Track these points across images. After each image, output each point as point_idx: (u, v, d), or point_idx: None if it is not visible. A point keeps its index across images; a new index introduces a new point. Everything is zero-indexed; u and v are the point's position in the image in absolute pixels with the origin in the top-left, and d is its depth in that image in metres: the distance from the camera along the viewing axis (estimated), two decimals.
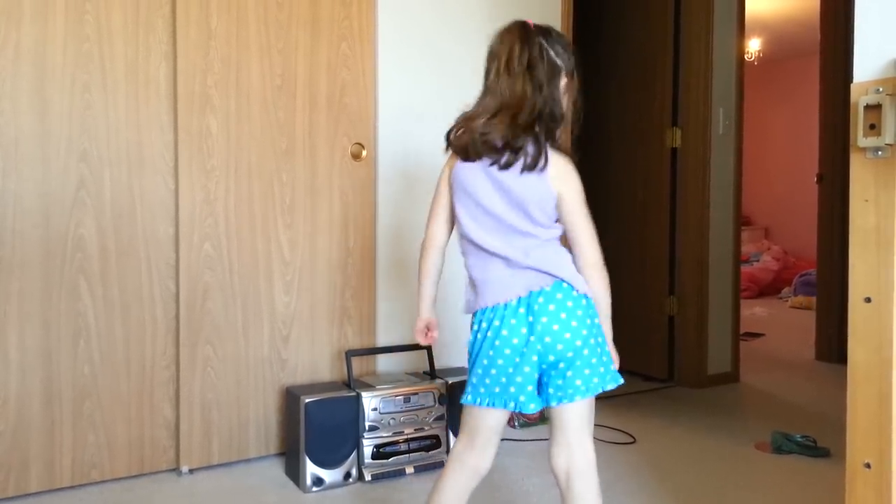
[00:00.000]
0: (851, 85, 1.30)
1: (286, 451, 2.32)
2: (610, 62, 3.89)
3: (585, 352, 1.37)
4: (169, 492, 2.14)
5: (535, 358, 1.37)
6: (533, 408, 1.38)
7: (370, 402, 2.23)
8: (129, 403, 2.20)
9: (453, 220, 1.50)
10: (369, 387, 2.28)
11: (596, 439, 2.60)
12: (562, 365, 1.37)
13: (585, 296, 1.41)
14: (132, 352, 2.20)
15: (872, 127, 1.24)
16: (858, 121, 1.26)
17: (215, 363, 2.30)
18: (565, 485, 1.41)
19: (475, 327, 1.44)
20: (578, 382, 1.37)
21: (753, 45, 7.05)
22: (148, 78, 2.20)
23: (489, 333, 1.40)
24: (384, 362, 2.61)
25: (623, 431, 2.73)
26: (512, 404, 1.39)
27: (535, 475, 2.26)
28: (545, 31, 1.43)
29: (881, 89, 1.24)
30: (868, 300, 1.28)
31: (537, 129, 1.37)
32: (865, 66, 1.29)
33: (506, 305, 1.38)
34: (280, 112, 2.39)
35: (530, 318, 1.37)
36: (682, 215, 3.54)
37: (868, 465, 1.28)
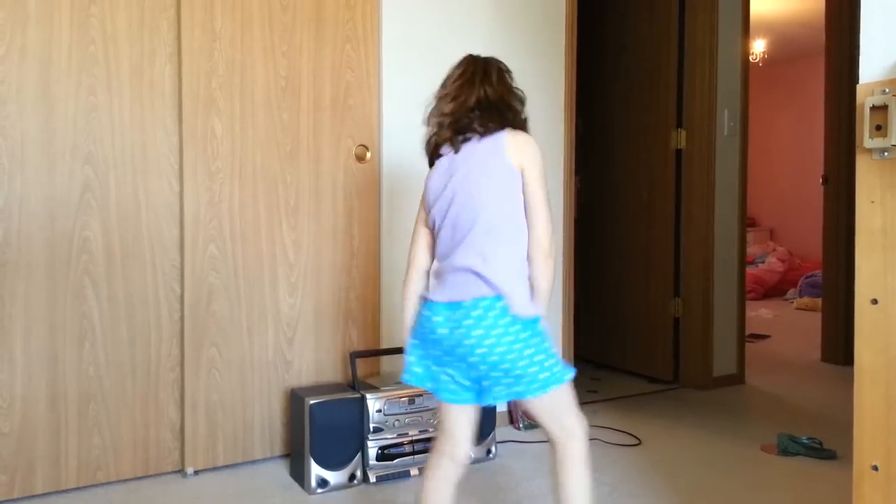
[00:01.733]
0: (857, 86, 1.30)
1: (291, 452, 2.32)
2: (614, 64, 3.88)
3: (527, 352, 1.39)
4: (174, 493, 2.14)
5: (452, 359, 1.45)
6: (467, 400, 1.48)
7: (375, 403, 2.23)
8: (135, 405, 2.21)
9: (434, 240, 1.56)
10: (374, 388, 2.28)
11: (601, 441, 2.62)
12: (495, 374, 1.41)
13: (520, 313, 1.41)
14: (137, 354, 2.20)
15: (879, 128, 1.24)
16: (864, 122, 1.25)
17: (220, 365, 2.31)
18: (554, 457, 1.49)
19: (423, 313, 1.50)
20: (520, 388, 1.41)
21: (758, 47, 7.03)
22: (153, 80, 2.21)
23: (427, 325, 1.47)
24: (389, 364, 2.60)
25: (628, 433, 2.73)
26: (446, 395, 1.49)
27: (540, 477, 2.26)
28: (489, 59, 1.58)
29: (887, 90, 1.23)
30: (874, 302, 1.27)
31: (486, 114, 1.46)
32: (871, 67, 1.29)
33: (447, 305, 1.43)
34: (284, 114, 2.39)
35: (466, 322, 1.40)
36: (687, 217, 3.53)
37: (875, 468, 1.27)
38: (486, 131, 1.45)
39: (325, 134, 2.46)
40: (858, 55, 1.31)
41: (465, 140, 1.47)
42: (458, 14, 2.73)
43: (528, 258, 1.44)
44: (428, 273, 1.58)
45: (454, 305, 1.41)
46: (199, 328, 2.27)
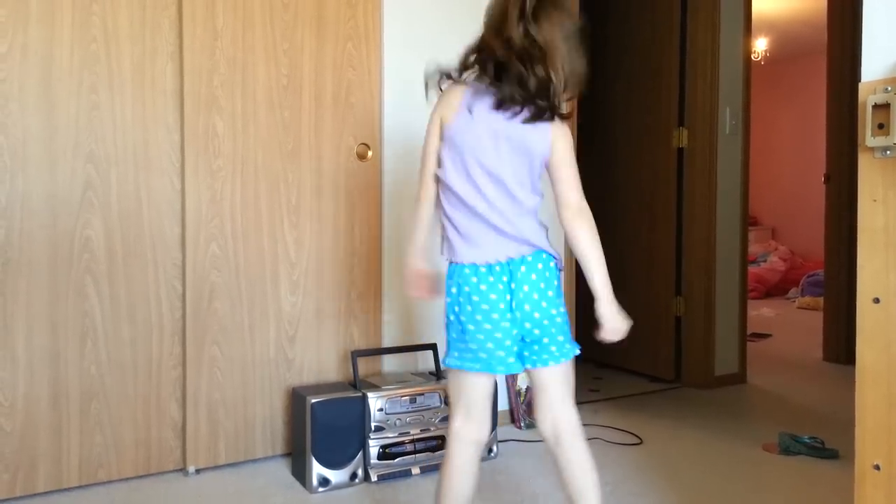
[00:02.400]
0: (859, 84, 1.29)
1: (292, 451, 2.32)
2: (616, 62, 3.88)
3: (558, 319, 1.43)
4: (176, 492, 2.14)
5: (515, 332, 1.41)
6: (519, 368, 1.44)
7: (376, 402, 2.23)
8: (136, 404, 2.21)
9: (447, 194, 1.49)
10: (375, 387, 2.28)
11: (602, 440, 2.62)
12: (537, 332, 1.41)
13: (552, 256, 1.45)
14: (139, 352, 2.21)
15: (881, 126, 1.23)
16: (866, 120, 1.25)
17: (222, 363, 2.31)
18: (554, 445, 1.47)
19: (453, 287, 1.45)
20: (553, 349, 1.43)
21: (760, 45, 7.03)
22: (154, 78, 2.21)
23: (467, 290, 1.41)
24: (390, 362, 2.61)
25: (630, 432, 2.73)
26: (501, 368, 1.43)
27: (542, 476, 2.26)
28: None
29: (889, 88, 1.23)
30: (877, 301, 1.27)
31: (541, 80, 1.36)
32: (873, 66, 1.29)
33: (487, 266, 1.41)
34: (286, 112, 2.39)
35: (513, 286, 1.40)
36: (689, 216, 3.53)
37: (877, 467, 1.27)
38: (537, 114, 1.38)
39: (326, 132, 2.46)
40: (860, 53, 1.31)
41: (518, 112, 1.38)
42: (459, 13, 2.72)
43: (565, 226, 1.43)
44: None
45: (507, 265, 1.40)
46: (201, 326, 2.27)
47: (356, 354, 2.35)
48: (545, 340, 1.42)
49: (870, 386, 1.28)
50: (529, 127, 1.39)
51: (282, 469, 2.33)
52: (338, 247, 2.49)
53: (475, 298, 1.41)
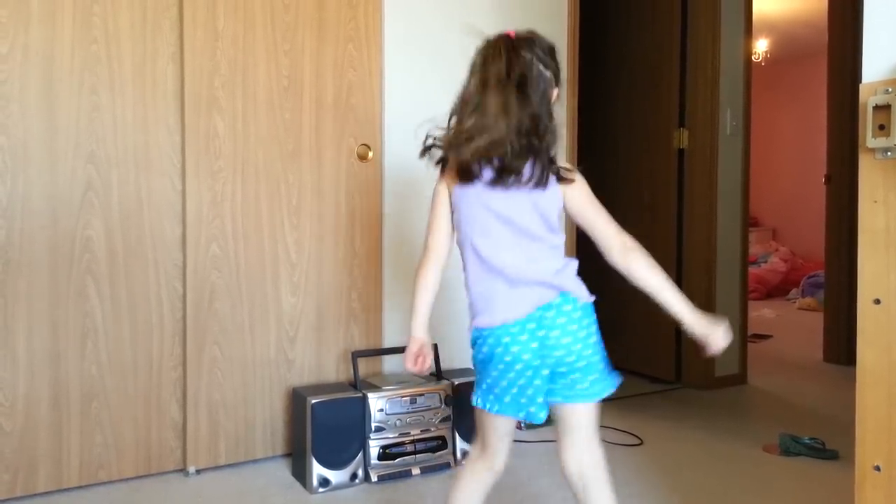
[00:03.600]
0: (860, 85, 1.29)
1: (293, 451, 2.32)
2: (616, 63, 3.88)
3: (593, 358, 1.38)
4: (176, 492, 2.14)
5: (545, 372, 1.36)
6: (542, 417, 1.37)
7: (376, 403, 2.23)
8: (137, 404, 2.21)
9: (453, 232, 1.46)
10: (375, 388, 2.28)
11: (603, 441, 2.61)
12: (564, 369, 1.36)
13: (587, 303, 1.40)
14: (139, 352, 2.21)
15: (881, 127, 1.23)
16: (867, 121, 1.25)
17: (222, 364, 2.31)
18: (580, 486, 1.43)
19: (482, 346, 1.39)
20: (585, 386, 1.38)
21: (761, 46, 7.03)
22: (155, 79, 2.21)
23: (498, 350, 1.36)
24: (390, 363, 2.61)
25: (630, 433, 2.73)
26: (522, 414, 1.38)
27: (543, 476, 2.26)
28: (530, 41, 1.36)
29: (890, 90, 1.23)
30: (877, 302, 1.27)
31: (535, 147, 1.32)
32: (874, 67, 1.29)
33: (515, 322, 1.34)
34: (287, 113, 2.39)
35: (540, 333, 1.34)
36: (689, 217, 3.53)
37: (877, 468, 1.27)
38: (539, 180, 1.33)
39: (327, 133, 2.46)
40: (861, 54, 1.31)
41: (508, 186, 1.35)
42: (460, 15, 2.73)
43: (622, 267, 1.41)
44: (443, 268, 1.46)
45: (535, 314, 1.34)
46: (201, 327, 2.27)
47: (356, 355, 2.35)
48: (576, 376, 1.36)
49: (870, 387, 1.28)
50: (538, 191, 1.35)
51: (282, 469, 2.33)
52: (338, 248, 2.49)
53: (501, 354, 1.36)
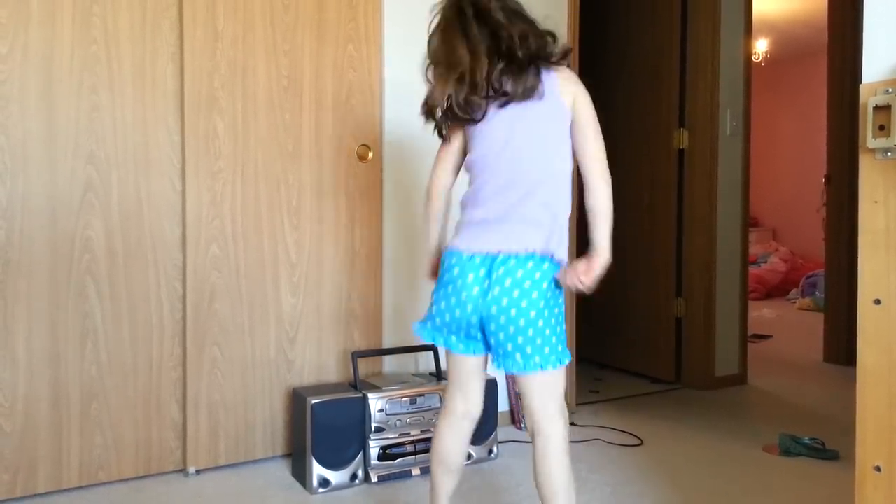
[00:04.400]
0: (860, 86, 1.29)
1: (293, 452, 2.32)
2: (617, 63, 3.88)
3: (540, 323, 1.39)
4: (176, 493, 2.14)
5: (474, 319, 1.41)
6: (462, 349, 1.46)
7: (376, 403, 2.23)
8: (137, 405, 2.21)
9: (459, 167, 1.55)
10: (375, 388, 2.28)
11: (603, 441, 2.62)
12: (512, 329, 1.39)
13: (553, 261, 1.42)
14: (139, 353, 2.21)
15: (882, 128, 1.23)
16: (867, 122, 1.25)
17: (222, 364, 2.31)
18: (533, 444, 1.49)
19: (443, 266, 1.48)
20: (536, 357, 1.40)
21: (760, 46, 7.03)
22: (155, 80, 2.21)
23: (446, 276, 1.45)
24: (390, 363, 2.60)
25: (630, 433, 2.73)
26: (441, 340, 1.47)
27: None
28: None
29: (890, 90, 1.23)
30: (877, 302, 1.27)
31: (508, 54, 1.38)
32: (874, 67, 1.29)
33: (470, 257, 1.42)
34: (286, 114, 2.39)
35: (485, 284, 1.39)
36: (689, 217, 3.53)
37: (878, 469, 1.27)
38: (526, 91, 1.39)
39: (327, 133, 2.46)
40: (861, 55, 1.31)
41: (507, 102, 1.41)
42: None
43: (586, 181, 1.47)
44: (448, 196, 1.57)
45: (490, 259, 1.40)
46: (201, 327, 2.27)
47: (356, 355, 2.35)
48: (520, 340, 1.39)
49: (870, 387, 1.28)
50: (534, 101, 1.40)
51: (282, 470, 2.33)
52: (338, 248, 2.49)
53: (448, 282, 1.44)
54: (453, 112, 1.41)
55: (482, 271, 1.40)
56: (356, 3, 2.49)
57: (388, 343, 2.60)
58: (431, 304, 1.50)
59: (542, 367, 1.40)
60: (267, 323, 2.38)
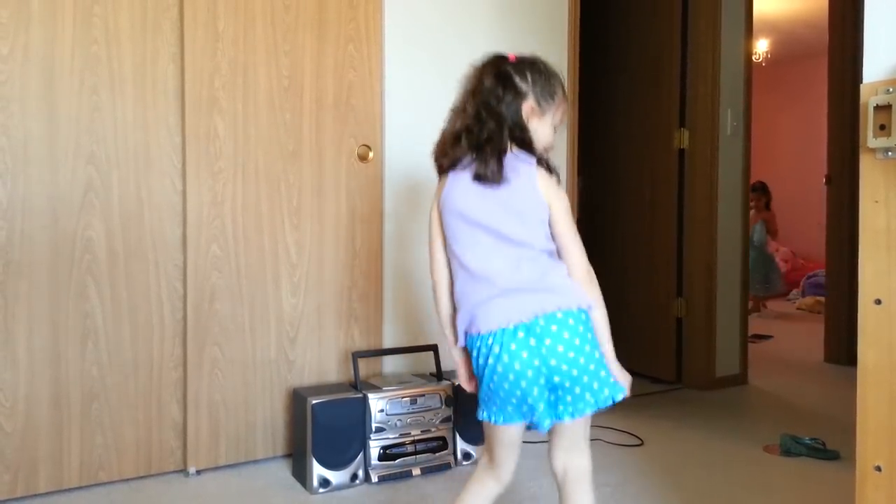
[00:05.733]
0: (861, 85, 1.29)
1: (293, 452, 2.32)
2: (617, 63, 3.88)
3: (592, 367, 1.35)
4: (176, 493, 2.14)
5: (542, 380, 1.34)
6: (548, 424, 1.36)
7: (377, 403, 2.23)
8: (137, 405, 2.21)
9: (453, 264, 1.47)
10: (376, 388, 2.28)
11: (603, 441, 2.62)
12: (568, 384, 1.34)
13: (582, 309, 1.36)
14: (140, 353, 2.21)
15: (882, 128, 1.23)
16: (868, 121, 1.25)
17: (223, 364, 2.31)
18: (562, 486, 1.45)
19: (474, 353, 1.39)
20: (588, 397, 1.35)
21: (761, 46, 7.02)
22: (155, 80, 2.21)
23: (490, 360, 1.35)
24: (391, 363, 2.61)
25: (631, 434, 2.72)
26: (524, 421, 1.40)
27: (543, 476, 2.25)
28: (520, 62, 1.43)
29: (891, 90, 1.23)
30: (878, 302, 1.27)
31: (482, 139, 1.38)
32: (875, 67, 1.29)
33: (503, 331, 1.33)
34: (287, 114, 2.39)
35: (532, 342, 1.32)
36: (690, 217, 3.53)
37: (878, 468, 1.27)
38: (494, 171, 1.37)
39: (327, 133, 2.46)
40: (861, 55, 1.31)
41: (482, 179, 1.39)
42: (461, 15, 2.73)
43: None
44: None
45: (527, 325, 1.33)
46: (202, 327, 2.27)
47: (357, 355, 2.35)
48: (577, 390, 1.34)
49: (871, 387, 1.28)
50: (510, 187, 1.36)
51: (282, 470, 2.33)
52: (339, 248, 2.49)
53: (493, 364, 1.35)
54: None
55: (521, 334, 1.33)
56: (357, 4, 2.49)
57: (388, 343, 2.60)
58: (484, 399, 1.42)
59: (613, 399, 1.38)
60: (267, 323, 2.38)
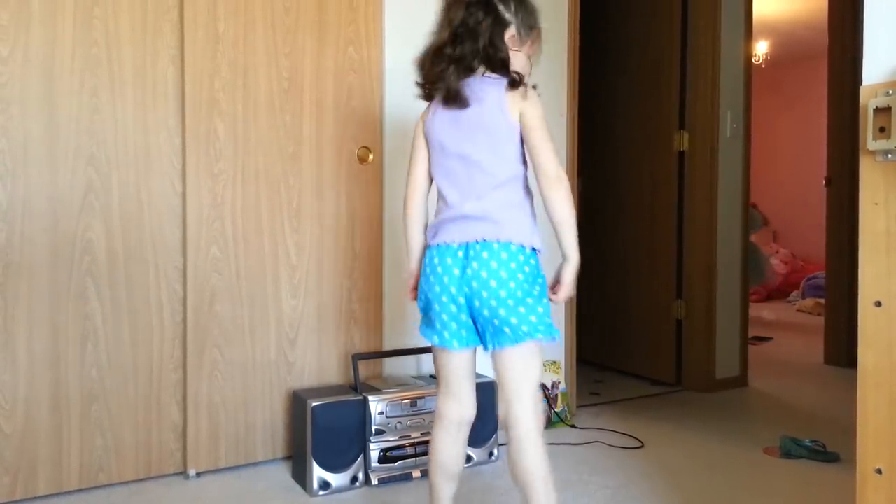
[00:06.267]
0: (861, 87, 1.29)
1: (293, 454, 2.32)
2: (617, 65, 3.88)
3: (511, 302, 1.40)
4: (176, 495, 2.14)
5: (462, 300, 1.44)
6: (456, 345, 1.46)
7: (377, 405, 2.23)
8: (137, 407, 2.21)
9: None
10: (376, 390, 2.28)
11: (603, 444, 2.61)
12: (486, 312, 1.42)
13: (523, 247, 1.43)
14: (140, 355, 2.20)
15: (882, 130, 1.23)
16: (868, 124, 1.25)
17: (222, 366, 2.31)
18: (509, 441, 1.47)
19: (424, 262, 1.52)
20: (507, 331, 1.42)
21: (761, 48, 7.03)
22: (156, 82, 2.21)
23: (427, 270, 1.49)
24: (391, 365, 2.60)
25: (631, 436, 2.72)
26: (436, 338, 1.48)
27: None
28: None
29: (891, 92, 1.23)
30: (878, 304, 1.27)
31: (462, 65, 1.45)
32: (875, 69, 1.29)
33: (447, 247, 1.45)
34: (287, 116, 2.39)
35: (464, 263, 1.43)
36: (690, 219, 3.53)
37: (879, 471, 1.27)
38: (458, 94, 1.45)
39: (327, 135, 2.46)
40: (861, 57, 1.31)
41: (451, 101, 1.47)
42: None
43: (541, 194, 1.44)
44: (427, 200, 1.60)
45: (466, 246, 1.43)
46: (202, 329, 2.27)
47: (357, 357, 2.35)
48: (496, 322, 1.41)
49: (871, 389, 1.28)
50: (480, 107, 1.44)
51: (282, 472, 2.33)
52: (338, 250, 2.49)
53: (429, 273, 1.48)
54: None
55: (460, 254, 1.44)
56: (357, 6, 2.49)
57: (388, 345, 2.60)
58: (419, 302, 1.55)
59: (531, 336, 1.41)
60: (267, 325, 2.38)
